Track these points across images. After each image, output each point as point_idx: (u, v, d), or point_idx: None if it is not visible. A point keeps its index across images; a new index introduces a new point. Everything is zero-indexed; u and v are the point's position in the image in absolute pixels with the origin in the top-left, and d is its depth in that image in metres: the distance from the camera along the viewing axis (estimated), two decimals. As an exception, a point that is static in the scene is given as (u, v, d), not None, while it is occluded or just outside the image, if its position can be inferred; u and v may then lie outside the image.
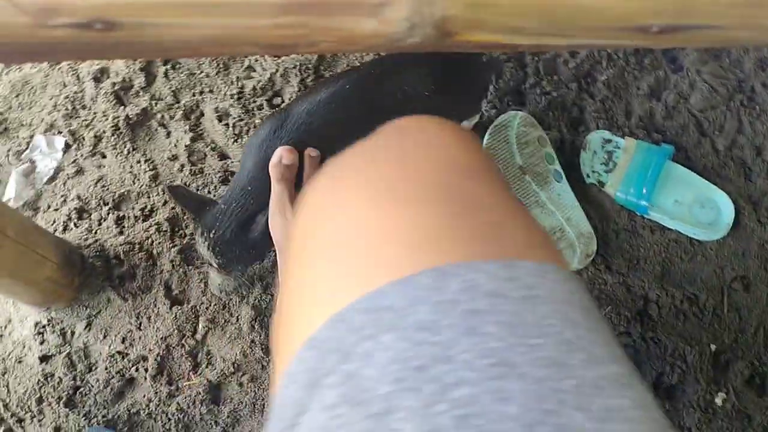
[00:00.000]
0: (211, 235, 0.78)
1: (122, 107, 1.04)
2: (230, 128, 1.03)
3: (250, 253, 0.81)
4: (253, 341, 0.94)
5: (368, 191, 0.29)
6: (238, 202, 0.78)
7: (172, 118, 1.04)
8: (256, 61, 1.06)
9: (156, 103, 1.04)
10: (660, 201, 1.00)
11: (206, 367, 0.94)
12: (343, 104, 0.77)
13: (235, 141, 1.02)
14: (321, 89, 0.78)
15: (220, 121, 1.04)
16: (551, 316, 0.23)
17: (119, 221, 1.00)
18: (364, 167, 0.31)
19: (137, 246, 0.98)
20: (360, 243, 0.27)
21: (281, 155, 0.74)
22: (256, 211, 0.77)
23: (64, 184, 1.02)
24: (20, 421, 0.94)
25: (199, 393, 0.93)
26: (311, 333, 0.24)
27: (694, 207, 1.00)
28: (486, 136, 1.01)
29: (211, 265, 0.82)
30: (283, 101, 1.04)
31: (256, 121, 1.04)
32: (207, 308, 0.96)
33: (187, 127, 1.05)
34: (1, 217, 0.72)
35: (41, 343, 0.95)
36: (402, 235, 0.26)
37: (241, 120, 1.04)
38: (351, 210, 0.28)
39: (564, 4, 0.33)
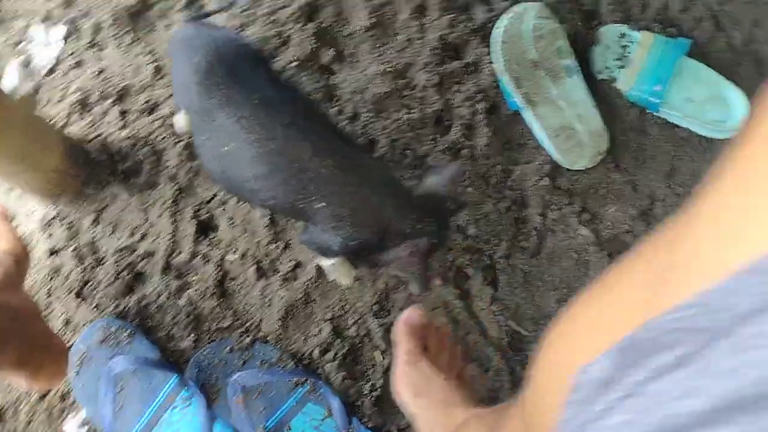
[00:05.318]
0: None
1: (120, -4, 1.00)
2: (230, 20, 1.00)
3: None
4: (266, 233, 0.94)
5: None
6: None
7: (171, 8, 1.00)
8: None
9: (155, -7, 1.00)
10: (672, 98, 0.98)
11: (216, 260, 0.94)
12: None
13: (237, 32, 0.99)
14: None
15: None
16: None
17: (123, 115, 0.98)
18: None
19: (142, 140, 0.96)
20: None
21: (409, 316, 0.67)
22: None
23: (64, 76, 0.99)
24: (31, 313, 0.95)
25: (209, 287, 0.94)
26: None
27: (706, 104, 0.98)
28: (497, 28, 0.98)
29: None
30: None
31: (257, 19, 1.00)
32: (213, 200, 0.96)
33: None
34: (6, 109, 0.70)
35: (49, 236, 0.95)
36: None
37: (244, 11, 1.01)
38: None
39: None
